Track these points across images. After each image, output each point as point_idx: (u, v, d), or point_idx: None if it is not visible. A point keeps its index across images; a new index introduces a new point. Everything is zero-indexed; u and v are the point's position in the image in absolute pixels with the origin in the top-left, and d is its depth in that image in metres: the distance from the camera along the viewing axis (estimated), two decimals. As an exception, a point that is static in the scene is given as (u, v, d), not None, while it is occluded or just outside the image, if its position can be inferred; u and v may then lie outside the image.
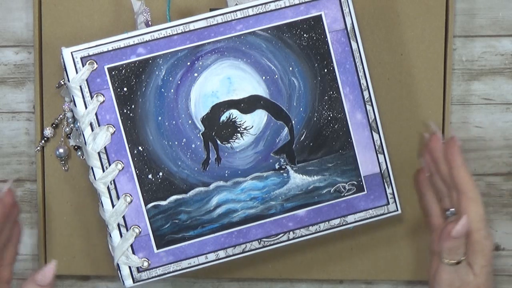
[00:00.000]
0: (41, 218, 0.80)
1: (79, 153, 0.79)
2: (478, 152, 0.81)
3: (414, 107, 0.79)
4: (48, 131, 0.78)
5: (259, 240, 0.74)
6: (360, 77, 0.73)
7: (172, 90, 0.72)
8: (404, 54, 0.79)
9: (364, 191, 0.74)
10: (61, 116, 0.79)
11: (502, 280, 0.83)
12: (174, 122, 0.72)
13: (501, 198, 0.82)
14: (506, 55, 0.80)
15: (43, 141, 0.79)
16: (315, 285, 0.84)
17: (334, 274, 0.81)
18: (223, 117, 0.73)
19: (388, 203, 0.74)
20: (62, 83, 0.78)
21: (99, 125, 0.71)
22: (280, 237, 0.74)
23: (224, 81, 0.72)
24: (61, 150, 0.79)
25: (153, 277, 0.73)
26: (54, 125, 0.79)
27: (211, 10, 0.75)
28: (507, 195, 0.82)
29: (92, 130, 0.71)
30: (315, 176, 0.74)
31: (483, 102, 0.81)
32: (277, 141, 0.73)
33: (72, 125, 0.79)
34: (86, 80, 0.71)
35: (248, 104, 0.73)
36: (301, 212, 0.74)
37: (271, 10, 0.72)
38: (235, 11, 0.71)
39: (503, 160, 0.81)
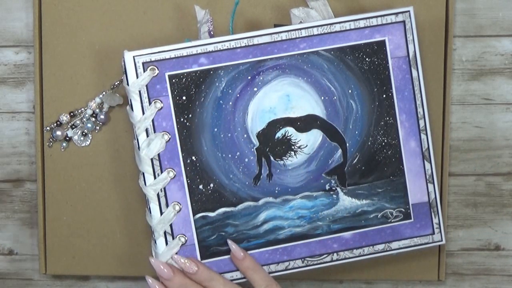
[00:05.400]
0: (41, 218, 0.80)
1: (64, 144, 0.78)
2: (478, 152, 0.81)
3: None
4: (64, 117, 0.78)
5: (303, 259, 0.74)
6: (417, 105, 0.73)
7: (230, 103, 0.72)
8: None
9: (411, 218, 0.74)
10: (82, 109, 0.78)
11: (502, 280, 0.83)
12: (229, 134, 0.72)
13: (501, 198, 0.82)
14: (506, 55, 0.80)
15: (54, 124, 0.78)
16: (315, 285, 0.84)
17: (334, 274, 0.81)
18: (279, 134, 0.72)
19: (434, 233, 0.75)
20: (117, 84, 0.77)
21: (154, 132, 0.71)
22: (324, 257, 0.74)
23: (283, 98, 0.72)
24: (58, 133, 0.78)
25: (194, 287, 0.73)
26: (71, 114, 0.78)
27: (275, 26, 0.74)
28: (507, 195, 0.82)
29: (147, 136, 0.71)
30: (364, 200, 0.74)
31: (483, 102, 0.81)
32: (330, 162, 0.73)
33: (85, 119, 0.78)
34: (146, 85, 0.70)
35: (305, 123, 0.72)
36: (346, 234, 0.74)
37: (336, 31, 0.72)
38: (300, 29, 0.71)
39: (503, 160, 0.81)
